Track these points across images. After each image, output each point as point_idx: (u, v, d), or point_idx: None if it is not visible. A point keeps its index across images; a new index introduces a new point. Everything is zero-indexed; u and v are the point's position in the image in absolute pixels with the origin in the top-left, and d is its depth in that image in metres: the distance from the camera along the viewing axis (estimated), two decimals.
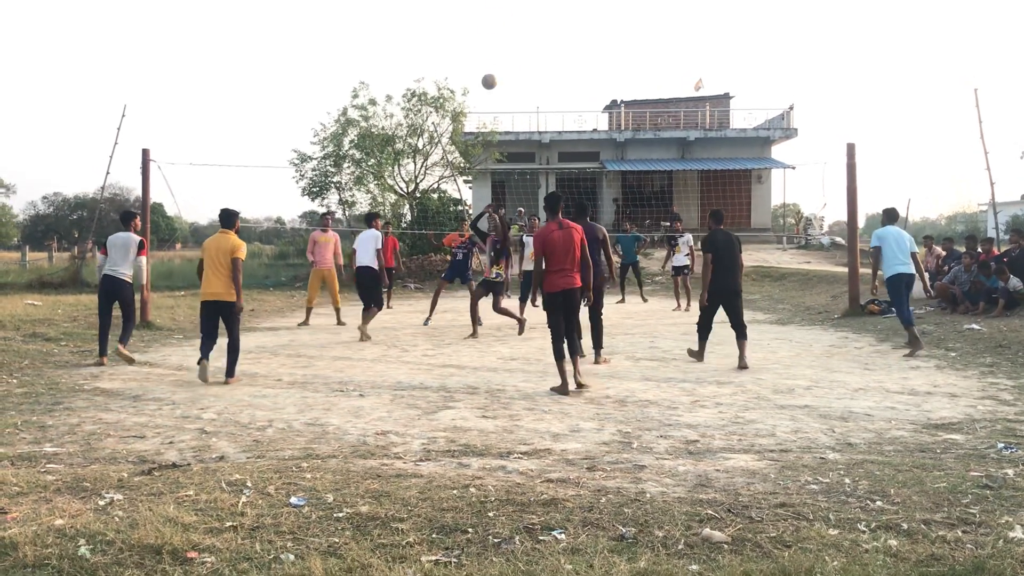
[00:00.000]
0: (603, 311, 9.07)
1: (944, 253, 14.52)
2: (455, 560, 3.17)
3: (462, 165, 28.15)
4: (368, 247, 11.28)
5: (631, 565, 3.10)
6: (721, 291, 8.65)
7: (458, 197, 28.46)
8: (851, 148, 13.39)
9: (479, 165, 28.88)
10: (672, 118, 34.77)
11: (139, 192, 14.14)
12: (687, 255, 15.60)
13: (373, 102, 26.56)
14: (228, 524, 3.52)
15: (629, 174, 33.17)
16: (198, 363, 7.81)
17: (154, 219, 40.23)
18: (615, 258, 14.21)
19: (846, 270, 14.37)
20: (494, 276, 11.22)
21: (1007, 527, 3.47)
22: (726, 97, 35.77)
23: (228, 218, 8.13)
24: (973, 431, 5.47)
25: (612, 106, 36.25)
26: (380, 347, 10.37)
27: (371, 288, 11.21)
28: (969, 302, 12.12)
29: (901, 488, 4.06)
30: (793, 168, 32.02)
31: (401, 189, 27.77)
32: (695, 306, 12.85)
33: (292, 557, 3.18)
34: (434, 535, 3.42)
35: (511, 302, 13.33)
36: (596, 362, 8.71)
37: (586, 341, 8.95)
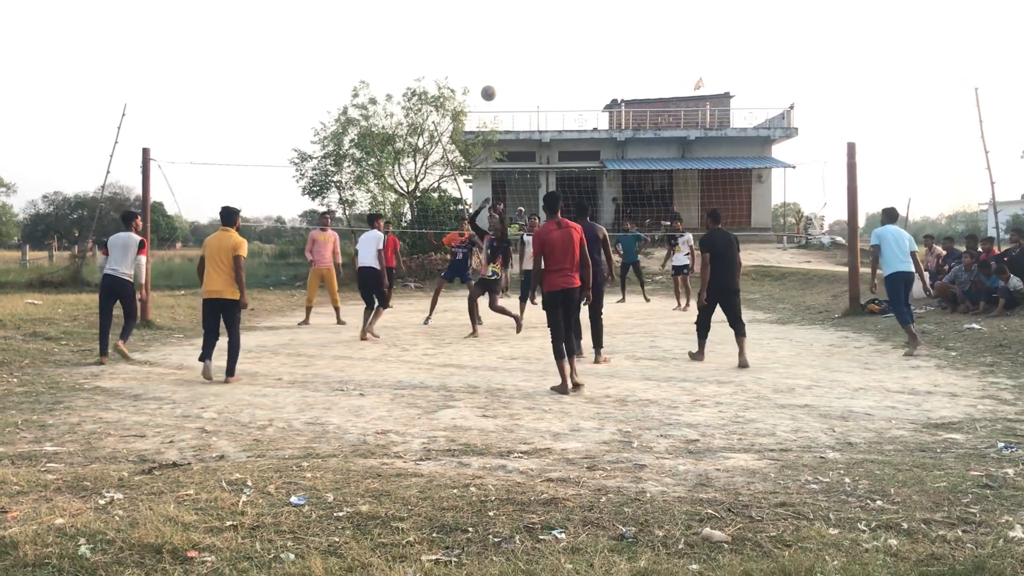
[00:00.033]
0: (603, 310, 9.07)
1: (944, 252, 14.52)
2: (455, 559, 3.17)
3: (462, 164, 28.13)
4: (370, 248, 11.30)
5: (631, 564, 3.09)
6: (719, 290, 8.66)
7: (458, 196, 28.48)
8: (851, 147, 13.39)
9: (479, 164, 28.87)
10: (672, 117, 34.75)
11: (139, 191, 14.16)
12: (687, 254, 15.59)
13: (373, 101, 26.55)
14: (228, 523, 3.52)
15: (629, 173, 33.16)
16: (200, 359, 7.85)
17: (154, 218, 40.27)
18: (615, 257, 14.22)
19: (846, 269, 14.37)
20: (490, 274, 11.22)
21: (1007, 526, 3.47)
22: (726, 96, 35.74)
23: (229, 216, 8.14)
24: (973, 430, 5.47)
25: (612, 105, 36.24)
26: (380, 346, 10.37)
27: (374, 289, 11.23)
28: (969, 301, 12.12)
29: (901, 487, 4.06)
30: (793, 167, 32.04)
31: (401, 188, 27.75)
32: (694, 305, 12.85)
33: (292, 556, 3.18)
34: (434, 534, 3.42)
35: (511, 301, 13.34)
36: (596, 361, 8.71)
37: (586, 340, 8.96)
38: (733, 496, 3.96)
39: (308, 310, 13.43)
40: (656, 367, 8.50)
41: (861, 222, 18.86)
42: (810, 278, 19.33)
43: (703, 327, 8.91)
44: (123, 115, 16.28)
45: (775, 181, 33.86)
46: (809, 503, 3.82)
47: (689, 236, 15.99)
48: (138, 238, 9.21)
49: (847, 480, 4.24)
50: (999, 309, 11.39)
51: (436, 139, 27.08)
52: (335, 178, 27.78)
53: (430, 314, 13.05)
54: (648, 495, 3.97)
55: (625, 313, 14.73)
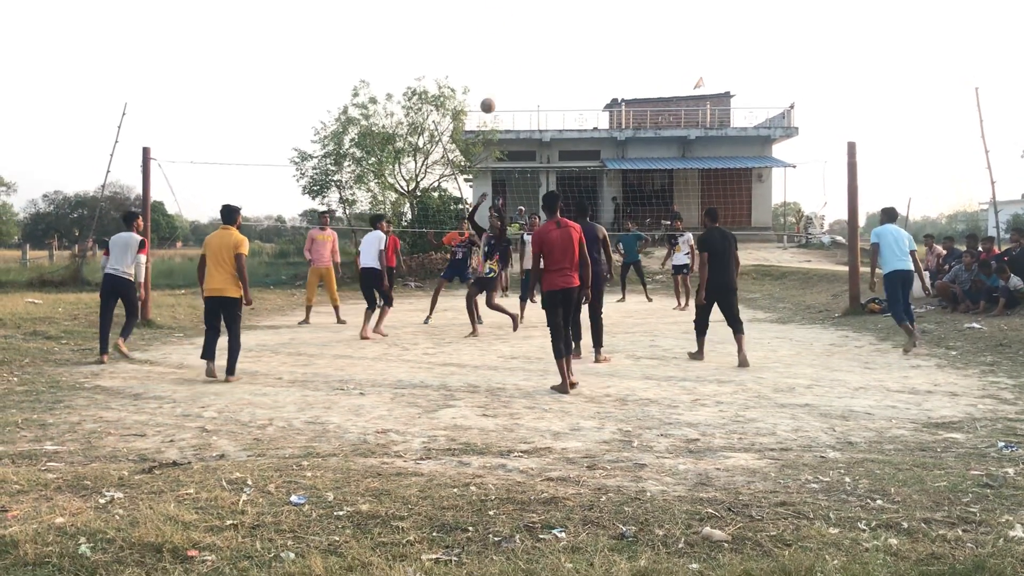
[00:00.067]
0: (603, 310, 9.07)
1: (945, 252, 14.51)
2: (455, 558, 3.17)
3: (463, 164, 28.13)
4: (372, 249, 11.33)
5: (631, 564, 3.09)
6: (717, 288, 8.68)
7: (459, 196, 28.49)
8: (852, 147, 13.38)
9: (480, 164, 28.87)
10: (673, 117, 34.73)
11: (139, 190, 14.16)
12: (687, 254, 15.59)
13: (374, 100, 26.54)
14: (229, 522, 3.52)
15: (630, 173, 33.15)
16: (202, 358, 7.88)
17: (155, 217, 40.30)
18: (616, 257, 14.21)
19: (846, 269, 14.37)
20: (486, 272, 11.23)
21: (1007, 526, 3.47)
22: (727, 96, 35.73)
23: (229, 214, 8.15)
24: (973, 430, 5.47)
25: (613, 105, 36.24)
26: (380, 345, 10.37)
27: (376, 288, 11.26)
28: (970, 301, 12.12)
29: (901, 487, 4.06)
30: (794, 167, 32.05)
31: (401, 187, 27.75)
32: (693, 304, 12.84)
33: (292, 555, 3.18)
34: (434, 533, 3.42)
35: (511, 301, 13.34)
36: (596, 361, 8.71)
37: (586, 340, 8.96)
38: (733, 495, 3.96)
39: (308, 309, 13.44)
40: (656, 366, 8.50)
41: (861, 221, 18.83)
42: (810, 277, 19.33)
43: (701, 326, 8.92)
44: (123, 114, 16.32)
45: (775, 180, 33.89)
46: (809, 502, 3.81)
47: (689, 235, 15.96)
48: (139, 237, 9.28)
49: (847, 479, 4.24)
50: (999, 308, 11.39)
51: (436, 138, 27.08)
52: (335, 177, 27.79)
53: (430, 313, 13.06)
54: (648, 494, 3.97)
55: (625, 312, 14.73)
